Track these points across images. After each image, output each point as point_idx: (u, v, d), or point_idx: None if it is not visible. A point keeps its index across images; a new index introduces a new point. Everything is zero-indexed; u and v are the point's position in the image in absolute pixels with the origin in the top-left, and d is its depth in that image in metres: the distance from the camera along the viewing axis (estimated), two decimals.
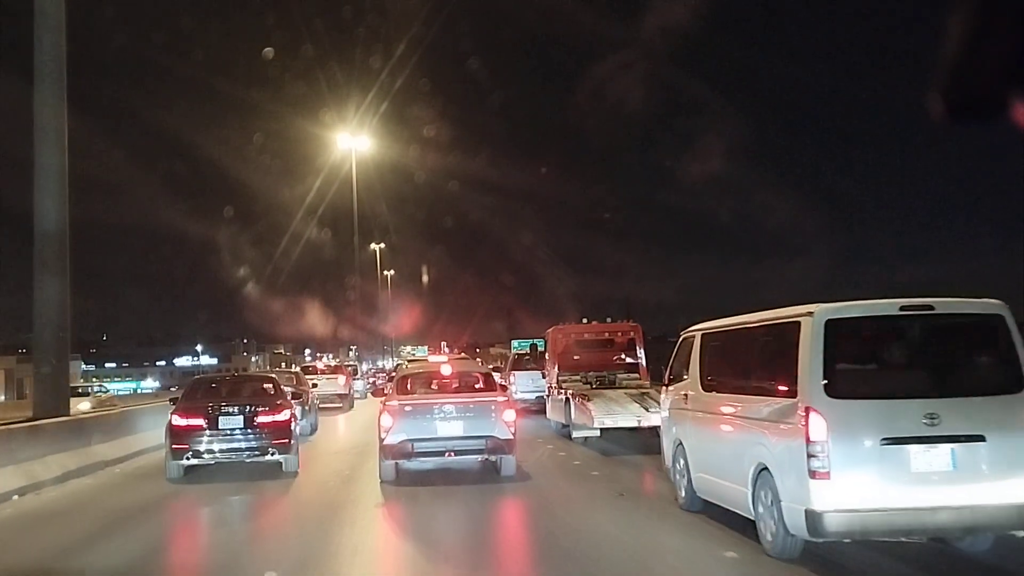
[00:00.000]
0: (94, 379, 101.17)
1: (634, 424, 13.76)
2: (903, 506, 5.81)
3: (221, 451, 11.15)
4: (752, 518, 6.92)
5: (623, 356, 17.76)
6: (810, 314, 6.17)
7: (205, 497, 10.37)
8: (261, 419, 11.29)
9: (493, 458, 10.71)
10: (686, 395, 8.60)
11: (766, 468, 6.59)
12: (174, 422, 11.23)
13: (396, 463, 10.54)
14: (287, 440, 11.45)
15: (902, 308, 6.18)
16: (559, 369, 17.49)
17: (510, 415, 10.54)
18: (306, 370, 24.35)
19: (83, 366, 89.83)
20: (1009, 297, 6.37)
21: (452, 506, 9.47)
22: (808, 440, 5.94)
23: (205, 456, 11.13)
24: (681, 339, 9.11)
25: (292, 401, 13.08)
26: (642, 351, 17.60)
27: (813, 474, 5.90)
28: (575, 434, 14.69)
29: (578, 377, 16.96)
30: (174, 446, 11.07)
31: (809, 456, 5.93)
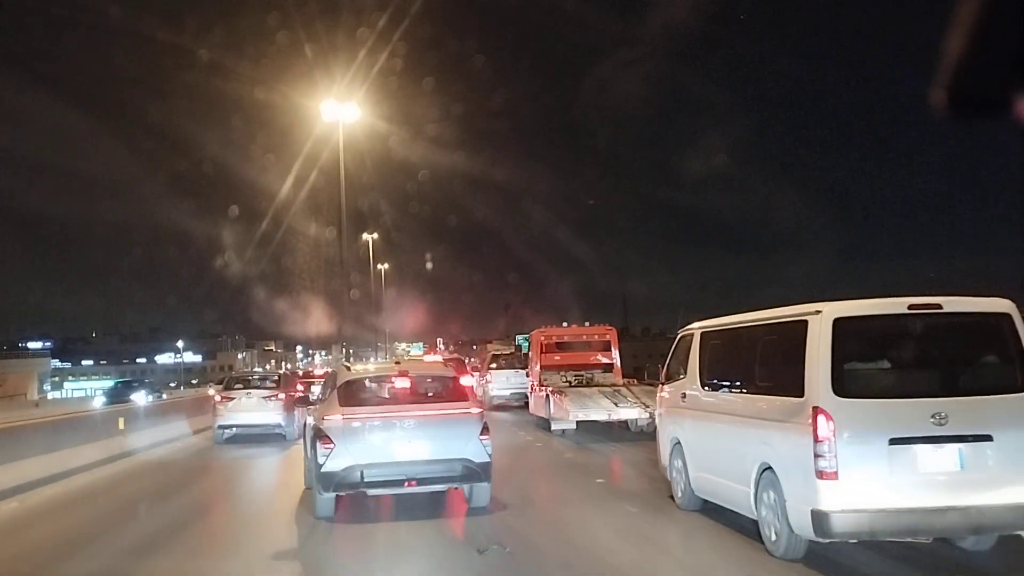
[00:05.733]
0: (69, 376, 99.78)
1: (605, 418, 15.50)
2: (910, 506, 5.75)
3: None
4: (754, 518, 6.86)
5: (599, 357, 19.57)
6: (818, 313, 6.11)
7: None
8: None
9: (464, 486, 8.80)
10: (684, 394, 8.52)
11: (770, 468, 6.52)
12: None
13: (336, 496, 8.55)
14: None
15: (910, 307, 6.12)
16: (541, 368, 19.18)
17: (485, 432, 8.61)
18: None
19: (54, 363, 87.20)
20: (1015, 294, 6.34)
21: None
22: (816, 440, 5.87)
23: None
24: (679, 337, 9.03)
25: None
26: (617, 352, 19.56)
27: (820, 474, 5.84)
28: (554, 427, 16.50)
29: (558, 376, 18.77)
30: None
31: (816, 456, 5.86)
